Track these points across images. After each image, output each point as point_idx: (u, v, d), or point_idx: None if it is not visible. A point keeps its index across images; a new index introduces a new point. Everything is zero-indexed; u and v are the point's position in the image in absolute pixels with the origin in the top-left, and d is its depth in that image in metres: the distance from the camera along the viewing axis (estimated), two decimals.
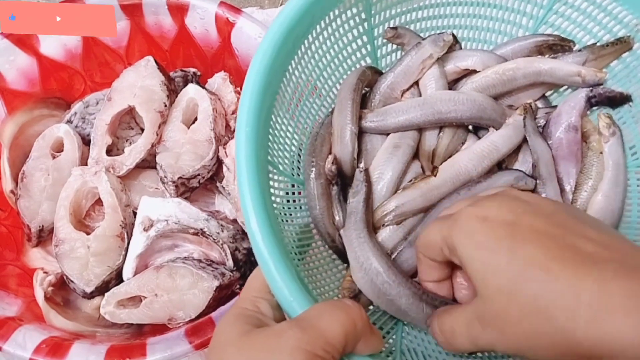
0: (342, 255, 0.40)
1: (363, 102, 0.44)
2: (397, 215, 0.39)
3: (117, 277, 0.52)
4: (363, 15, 0.44)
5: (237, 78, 0.63)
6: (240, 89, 0.61)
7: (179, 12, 0.60)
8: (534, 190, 0.41)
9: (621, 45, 0.41)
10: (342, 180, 0.41)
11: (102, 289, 0.51)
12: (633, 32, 0.41)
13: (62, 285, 0.54)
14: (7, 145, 0.57)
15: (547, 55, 0.44)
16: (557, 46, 0.44)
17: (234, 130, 0.59)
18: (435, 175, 0.40)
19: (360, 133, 0.43)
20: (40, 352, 0.45)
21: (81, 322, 0.51)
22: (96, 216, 0.55)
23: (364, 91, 0.44)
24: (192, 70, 0.63)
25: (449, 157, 0.42)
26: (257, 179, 0.32)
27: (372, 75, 0.45)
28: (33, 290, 0.52)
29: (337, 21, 0.42)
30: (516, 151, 0.43)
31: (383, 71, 0.46)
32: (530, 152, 0.41)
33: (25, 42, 0.58)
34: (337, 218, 0.40)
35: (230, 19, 0.58)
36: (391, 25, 0.46)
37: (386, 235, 0.40)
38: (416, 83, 0.45)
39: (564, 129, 0.41)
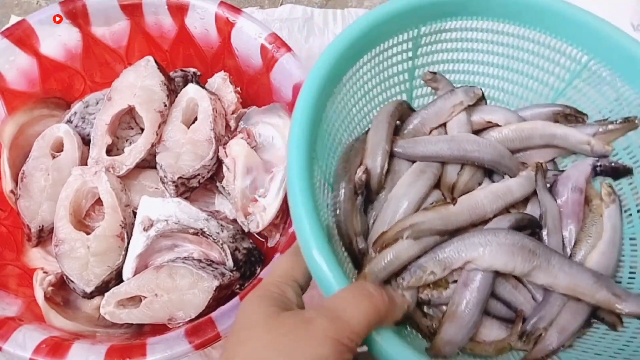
0: (356, 260, 0.41)
1: (395, 132, 0.47)
2: (415, 231, 0.40)
3: (117, 277, 0.52)
4: (410, 54, 0.48)
5: (237, 78, 0.63)
6: (241, 88, 0.62)
7: (179, 12, 0.60)
8: (539, 237, 0.43)
9: (628, 124, 0.45)
10: (367, 192, 0.44)
11: (102, 289, 0.51)
12: (637, 111, 0.45)
13: (62, 285, 0.54)
14: (7, 145, 0.57)
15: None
16: (572, 117, 0.48)
17: (233, 130, 0.59)
18: (454, 204, 0.42)
19: (390, 156, 0.46)
20: (40, 352, 0.45)
21: (81, 322, 0.51)
22: (96, 216, 0.55)
23: (396, 123, 0.48)
24: (192, 70, 0.63)
25: (467, 192, 0.45)
26: (307, 160, 0.35)
27: (406, 110, 0.49)
28: (33, 290, 0.52)
29: (388, 52, 0.46)
30: (524, 202, 0.46)
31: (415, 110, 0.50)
32: (539, 204, 0.44)
33: (25, 42, 0.58)
34: (356, 228, 0.41)
35: (230, 18, 0.58)
36: (431, 70, 0.50)
37: (403, 247, 0.41)
38: (444, 125, 0.49)
39: (570, 189, 0.45)
